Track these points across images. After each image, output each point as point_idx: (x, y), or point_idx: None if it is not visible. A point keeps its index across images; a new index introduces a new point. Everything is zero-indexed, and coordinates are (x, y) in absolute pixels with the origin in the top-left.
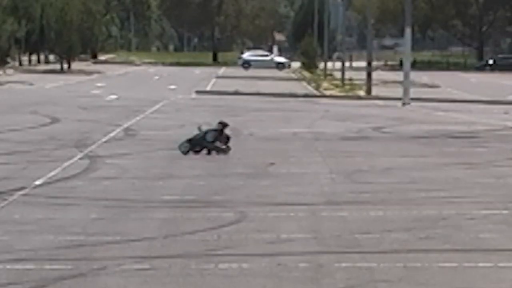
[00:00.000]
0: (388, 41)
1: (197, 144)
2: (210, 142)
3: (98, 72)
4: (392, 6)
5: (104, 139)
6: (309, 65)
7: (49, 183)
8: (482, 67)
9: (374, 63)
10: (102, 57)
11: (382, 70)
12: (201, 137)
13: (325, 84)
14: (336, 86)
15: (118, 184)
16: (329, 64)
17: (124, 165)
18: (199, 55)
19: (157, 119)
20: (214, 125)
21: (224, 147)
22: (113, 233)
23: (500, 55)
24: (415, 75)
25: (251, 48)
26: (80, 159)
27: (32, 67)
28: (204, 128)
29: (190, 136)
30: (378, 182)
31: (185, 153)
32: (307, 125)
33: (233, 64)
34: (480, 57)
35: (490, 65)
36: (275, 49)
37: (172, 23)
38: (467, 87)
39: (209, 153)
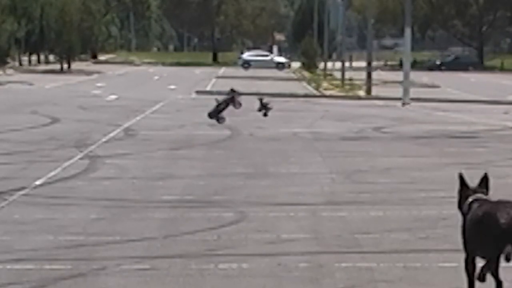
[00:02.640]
0: (388, 41)
1: (219, 111)
2: (223, 103)
3: (98, 72)
4: (392, 6)
5: (104, 139)
6: (309, 65)
7: (49, 183)
8: (435, 67)
9: (374, 63)
10: (102, 57)
11: (382, 70)
12: (217, 105)
13: (325, 84)
14: (336, 86)
15: (118, 184)
16: (329, 64)
17: (124, 165)
18: (199, 55)
19: (157, 119)
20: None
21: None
22: (113, 233)
23: (449, 57)
24: (415, 75)
25: (251, 48)
26: (80, 159)
27: (32, 67)
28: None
29: (213, 109)
30: (378, 182)
31: (219, 120)
32: (307, 125)
33: (233, 64)
34: (480, 57)
35: (438, 65)
36: (275, 49)
37: (172, 23)
38: (467, 87)
39: (231, 105)
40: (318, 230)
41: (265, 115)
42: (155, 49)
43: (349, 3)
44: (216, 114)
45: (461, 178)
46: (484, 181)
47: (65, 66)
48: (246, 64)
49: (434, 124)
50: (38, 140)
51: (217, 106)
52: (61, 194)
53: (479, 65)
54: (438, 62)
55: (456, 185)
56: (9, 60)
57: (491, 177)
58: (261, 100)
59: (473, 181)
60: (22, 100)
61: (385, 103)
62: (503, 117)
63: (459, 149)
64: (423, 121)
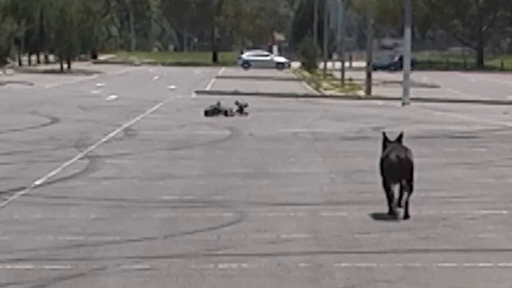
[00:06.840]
0: (388, 41)
1: (217, 112)
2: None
3: (98, 72)
4: (392, 6)
5: (104, 139)
6: (309, 65)
7: (49, 183)
8: (383, 67)
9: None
10: (102, 57)
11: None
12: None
13: (325, 84)
14: (336, 86)
15: (118, 184)
16: (329, 64)
17: (124, 165)
18: (199, 55)
19: (157, 119)
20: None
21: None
22: (113, 233)
23: (395, 57)
24: (415, 75)
25: (251, 48)
26: (80, 159)
27: (32, 67)
28: (223, 104)
29: (213, 106)
30: (378, 182)
31: (207, 113)
32: (307, 125)
33: (233, 64)
34: (480, 57)
35: (386, 65)
36: (275, 49)
37: (172, 23)
38: (467, 87)
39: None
40: (318, 230)
41: (244, 114)
42: (155, 49)
43: (349, 3)
44: (213, 112)
45: (384, 135)
46: (400, 137)
47: (65, 66)
48: (246, 64)
49: (434, 124)
50: (38, 140)
51: (216, 108)
52: (61, 194)
53: (420, 64)
54: (385, 63)
55: (453, 184)
56: (9, 60)
57: (491, 177)
58: (237, 102)
59: (474, 181)
60: (22, 100)
61: (385, 103)
62: (503, 117)
63: (459, 149)
64: (423, 121)
